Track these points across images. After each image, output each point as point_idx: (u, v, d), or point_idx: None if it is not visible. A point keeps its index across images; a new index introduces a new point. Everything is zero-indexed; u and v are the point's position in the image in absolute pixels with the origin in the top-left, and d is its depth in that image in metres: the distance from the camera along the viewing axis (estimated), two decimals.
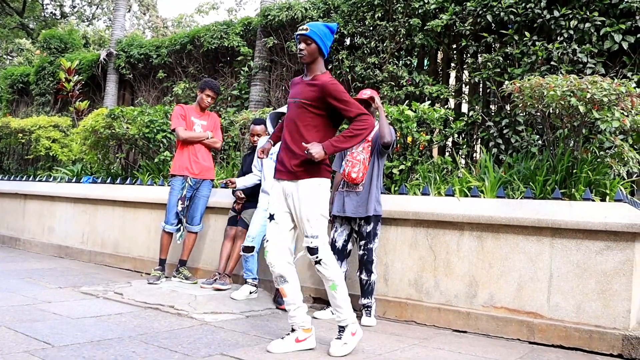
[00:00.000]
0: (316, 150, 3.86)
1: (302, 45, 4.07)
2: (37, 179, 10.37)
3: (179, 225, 6.48)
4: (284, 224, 4.11)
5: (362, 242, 5.25)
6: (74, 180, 9.56)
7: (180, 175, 6.41)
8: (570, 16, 6.38)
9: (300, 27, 4.08)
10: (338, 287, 4.01)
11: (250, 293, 5.74)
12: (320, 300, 5.86)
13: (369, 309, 5.23)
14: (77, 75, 12.52)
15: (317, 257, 3.95)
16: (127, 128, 8.35)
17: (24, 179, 10.70)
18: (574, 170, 5.34)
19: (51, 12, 33.42)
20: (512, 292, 4.90)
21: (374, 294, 5.27)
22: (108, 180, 8.90)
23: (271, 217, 4.12)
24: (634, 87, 5.20)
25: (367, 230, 5.23)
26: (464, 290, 5.15)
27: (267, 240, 4.10)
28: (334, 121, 4.14)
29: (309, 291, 6.00)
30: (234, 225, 6.25)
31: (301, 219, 4.00)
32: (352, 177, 5.20)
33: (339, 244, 5.35)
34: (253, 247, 5.70)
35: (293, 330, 4.11)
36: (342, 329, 4.04)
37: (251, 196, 6.14)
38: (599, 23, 6.22)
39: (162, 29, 31.40)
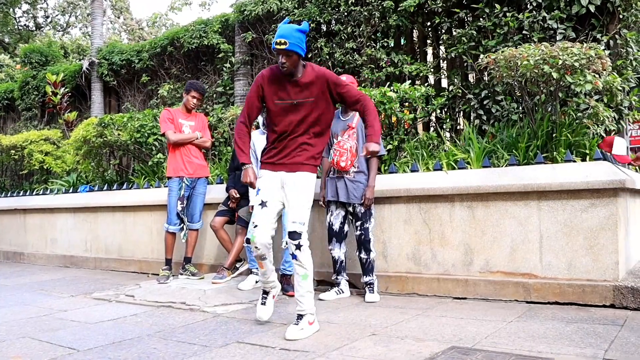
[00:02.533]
0: (377, 147, 4.20)
1: (284, 59, 4.16)
2: (34, 193, 10.51)
3: (182, 225, 6.68)
4: (274, 211, 4.35)
5: (358, 223, 5.46)
6: (70, 190, 9.72)
7: (176, 177, 6.60)
8: None
9: (277, 42, 4.10)
10: (308, 278, 4.24)
11: (257, 282, 5.96)
12: (324, 283, 6.08)
13: (371, 286, 5.46)
14: (63, 88, 12.62)
15: (299, 242, 4.17)
16: (119, 135, 8.51)
17: (20, 194, 10.83)
18: (554, 134, 5.57)
19: (25, 25, 33.24)
20: (505, 256, 5.14)
21: (374, 271, 5.50)
22: (105, 187, 9.07)
23: (263, 204, 4.32)
24: (603, 49, 5.42)
25: (362, 212, 5.44)
26: (460, 258, 5.38)
27: (256, 225, 4.31)
28: (333, 104, 4.44)
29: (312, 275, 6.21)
30: (222, 216, 6.48)
31: (296, 205, 4.24)
32: (341, 165, 5.40)
33: (336, 226, 5.56)
34: None
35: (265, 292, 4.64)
36: (300, 317, 4.20)
37: (244, 194, 6.32)
38: None
39: (137, 30, 31.33)
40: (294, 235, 4.18)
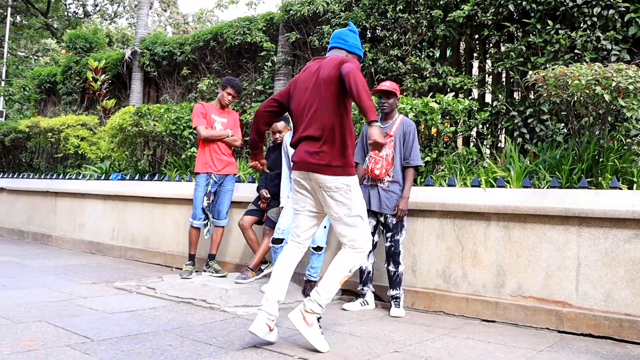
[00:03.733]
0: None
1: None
2: (67, 177, 10.56)
3: (206, 220, 6.60)
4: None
5: (389, 234, 5.30)
6: (102, 177, 9.73)
7: (204, 173, 6.52)
8: (594, 3, 6.35)
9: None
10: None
11: None
12: (349, 292, 5.92)
13: (397, 300, 5.29)
14: (103, 75, 12.70)
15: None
16: (154, 125, 8.48)
17: (54, 177, 10.89)
18: (600, 159, 5.35)
19: (74, 12, 33.80)
20: (540, 281, 4.93)
21: (402, 285, 5.33)
22: (136, 177, 9.05)
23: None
24: None
25: (394, 223, 5.28)
26: (491, 280, 5.19)
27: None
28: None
29: None
30: (251, 215, 6.38)
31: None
32: (376, 173, 5.26)
33: None
34: (282, 239, 5.78)
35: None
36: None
37: (275, 195, 6.22)
38: (623, 9, 6.19)
39: (183, 25, 31.60)
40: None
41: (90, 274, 6.84)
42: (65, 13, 32.64)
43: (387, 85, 5.44)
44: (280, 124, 6.38)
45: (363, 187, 5.45)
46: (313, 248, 5.67)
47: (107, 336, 4.01)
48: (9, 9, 27.25)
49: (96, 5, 34.51)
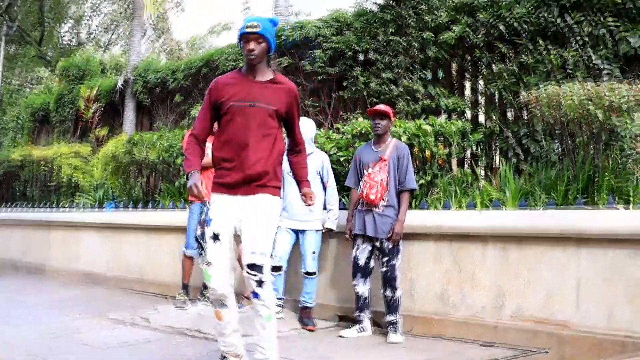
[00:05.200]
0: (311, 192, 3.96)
1: (252, 45, 3.63)
2: (60, 207, 10.49)
3: (200, 249, 6.51)
4: (229, 243, 3.80)
5: (385, 259, 5.25)
6: (97, 205, 9.67)
7: (199, 201, 6.46)
8: (584, 22, 6.34)
9: (248, 25, 3.63)
10: (273, 320, 3.62)
11: (276, 314, 5.74)
12: (345, 319, 5.85)
13: (395, 325, 5.21)
14: (95, 103, 12.69)
15: (261, 278, 3.54)
16: (147, 153, 8.45)
17: (47, 206, 10.83)
18: (596, 178, 5.32)
19: (69, 40, 33.93)
20: (539, 302, 4.87)
21: (399, 310, 5.26)
22: (130, 205, 8.98)
23: (216, 237, 3.78)
24: None
25: (390, 247, 5.23)
26: (490, 302, 5.12)
27: (209, 263, 3.75)
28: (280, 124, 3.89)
29: (333, 309, 6.00)
30: None
31: (256, 234, 3.63)
32: (371, 198, 5.22)
33: (362, 261, 5.35)
34: (280, 267, 5.72)
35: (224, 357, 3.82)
36: None
37: None
38: (613, 28, 6.18)
39: (177, 51, 31.72)
40: (257, 269, 3.55)
41: (84, 307, 6.75)
42: (59, 43, 32.75)
43: (380, 106, 5.43)
44: None
45: (358, 212, 5.41)
46: (304, 273, 5.62)
47: None
48: (4, 38, 27.34)
49: (90, 34, 34.66)
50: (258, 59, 3.70)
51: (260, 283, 3.52)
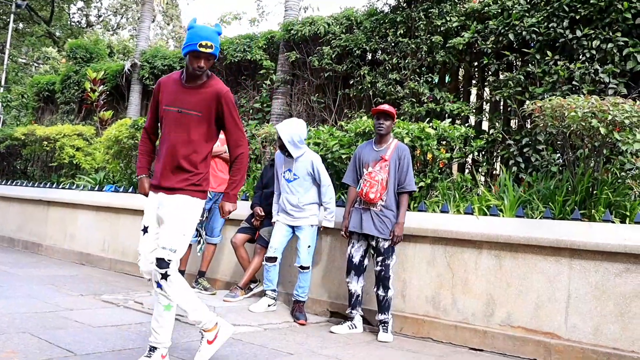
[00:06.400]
0: (231, 207, 3.96)
1: (203, 63, 3.67)
2: (60, 186, 10.51)
3: (198, 237, 6.55)
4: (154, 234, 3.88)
5: (380, 258, 5.28)
6: (96, 188, 9.69)
7: None
8: (593, 36, 6.39)
9: (202, 44, 3.60)
10: (172, 310, 3.72)
11: (269, 306, 5.78)
12: (337, 315, 5.88)
13: (385, 324, 5.25)
14: (102, 85, 12.71)
15: (166, 272, 3.61)
16: None
17: (47, 185, 10.85)
18: (594, 191, 5.35)
19: (77, 21, 33.92)
20: (529, 311, 4.90)
21: (390, 309, 5.29)
22: (130, 190, 9.01)
23: (144, 230, 3.90)
24: None
25: (385, 247, 5.26)
26: (481, 308, 5.16)
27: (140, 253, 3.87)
28: (218, 128, 3.93)
29: (326, 305, 6.04)
30: (244, 233, 6.34)
31: (165, 229, 3.73)
32: (370, 197, 5.24)
33: (356, 259, 5.38)
34: (276, 258, 5.75)
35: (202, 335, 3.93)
36: (153, 349, 3.70)
37: (269, 213, 6.18)
38: (622, 43, 6.23)
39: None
40: (161, 264, 3.63)
41: (78, 286, 6.78)
42: (69, 22, 32.75)
43: (385, 107, 5.44)
44: None
45: (355, 210, 5.44)
46: (299, 267, 5.65)
47: (90, 350, 3.97)
48: (12, 16, 27.35)
49: (99, 16, 34.66)
50: (203, 72, 3.74)
51: (164, 276, 3.62)
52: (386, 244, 5.26)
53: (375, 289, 5.31)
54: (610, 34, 6.30)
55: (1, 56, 28.07)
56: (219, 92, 3.78)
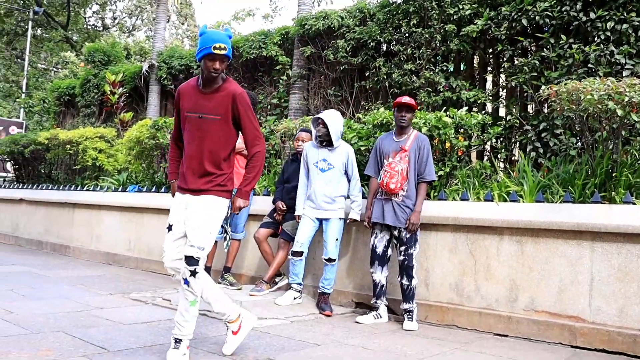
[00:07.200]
0: (242, 203, 4.03)
1: (218, 65, 3.79)
2: (84, 189, 10.68)
3: (224, 233, 6.65)
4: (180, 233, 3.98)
5: (402, 248, 5.34)
6: (120, 189, 9.84)
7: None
8: (607, 18, 6.37)
9: (216, 47, 3.73)
10: (197, 305, 3.88)
11: (295, 299, 5.87)
12: (362, 305, 5.95)
13: (410, 313, 5.31)
14: (121, 88, 12.87)
15: (195, 269, 3.77)
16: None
17: (72, 188, 11.03)
18: (614, 173, 5.35)
19: (93, 25, 34.22)
20: (553, 296, 4.93)
21: (415, 298, 5.35)
22: (153, 189, 9.14)
23: (169, 228, 3.99)
24: None
25: (407, 237, 5.31)
26: (504, 294, 5.20)
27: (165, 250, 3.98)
28: (237, 128, 4.05)
29: (350, 296, 6.11)
30: (267, 228, 6.43)
31: (193, 228, 3.85)
32: (391, 187, 5.30)
33: (379, 250, 5.44)
34: (302, 252, 5.82)
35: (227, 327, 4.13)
36: (179, 341, 3.84)
37: (292, 207, 6.25)
38: (637, 23, 6.20)
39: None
40: (190, 261, 3.78)
41: (106, 285, 6.92)
42: (85, 26, 33.04)
43: (407, 99, 5.48)
44: (305, 134, 6.44)
45: (377, 200, 5.50)
46: (325, 259, 5.72)
47: (123, 347, 4.08)
48: (30, 23, 27.68)
49: (115, 19, 34.93)
50: (218, 75, 3.86)
51: (193, 273, 3.79)
52: (408, 234, 5.31)
53: (399, 279, 5.37)
54: (625, 14, 6.27)
55: (21, 63, 28.43)
56: (234, 94, 3.92)
